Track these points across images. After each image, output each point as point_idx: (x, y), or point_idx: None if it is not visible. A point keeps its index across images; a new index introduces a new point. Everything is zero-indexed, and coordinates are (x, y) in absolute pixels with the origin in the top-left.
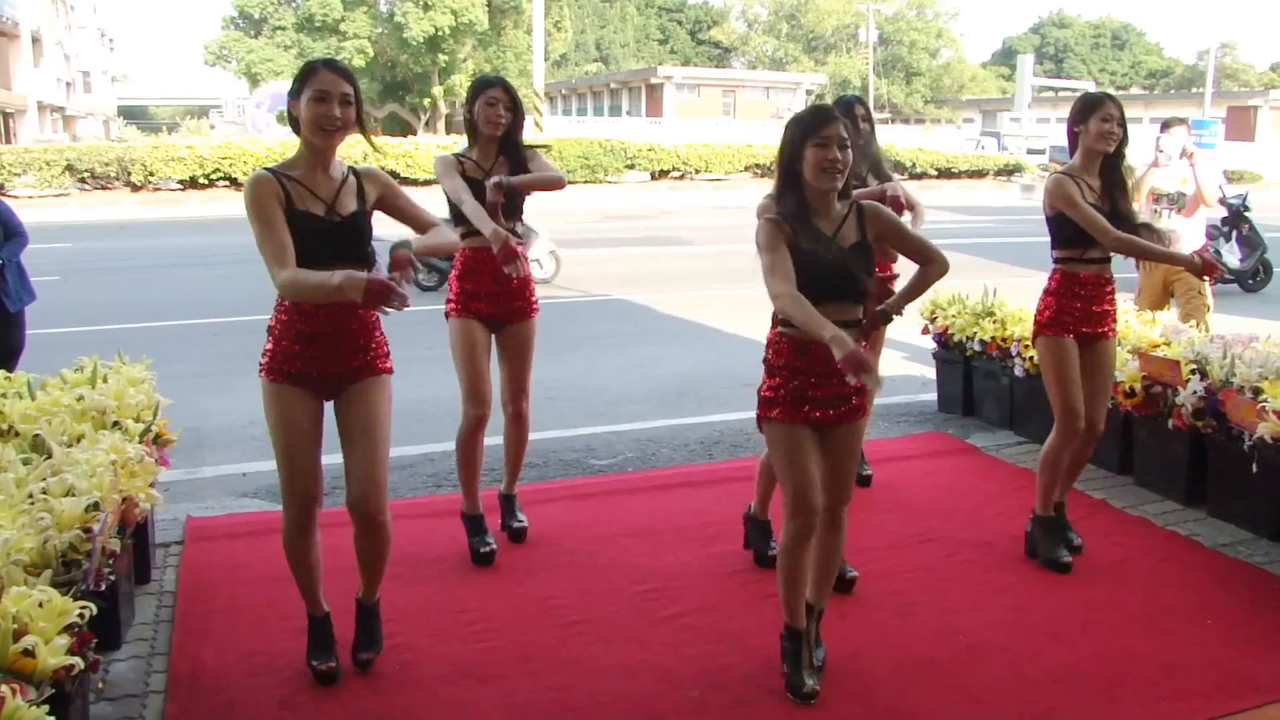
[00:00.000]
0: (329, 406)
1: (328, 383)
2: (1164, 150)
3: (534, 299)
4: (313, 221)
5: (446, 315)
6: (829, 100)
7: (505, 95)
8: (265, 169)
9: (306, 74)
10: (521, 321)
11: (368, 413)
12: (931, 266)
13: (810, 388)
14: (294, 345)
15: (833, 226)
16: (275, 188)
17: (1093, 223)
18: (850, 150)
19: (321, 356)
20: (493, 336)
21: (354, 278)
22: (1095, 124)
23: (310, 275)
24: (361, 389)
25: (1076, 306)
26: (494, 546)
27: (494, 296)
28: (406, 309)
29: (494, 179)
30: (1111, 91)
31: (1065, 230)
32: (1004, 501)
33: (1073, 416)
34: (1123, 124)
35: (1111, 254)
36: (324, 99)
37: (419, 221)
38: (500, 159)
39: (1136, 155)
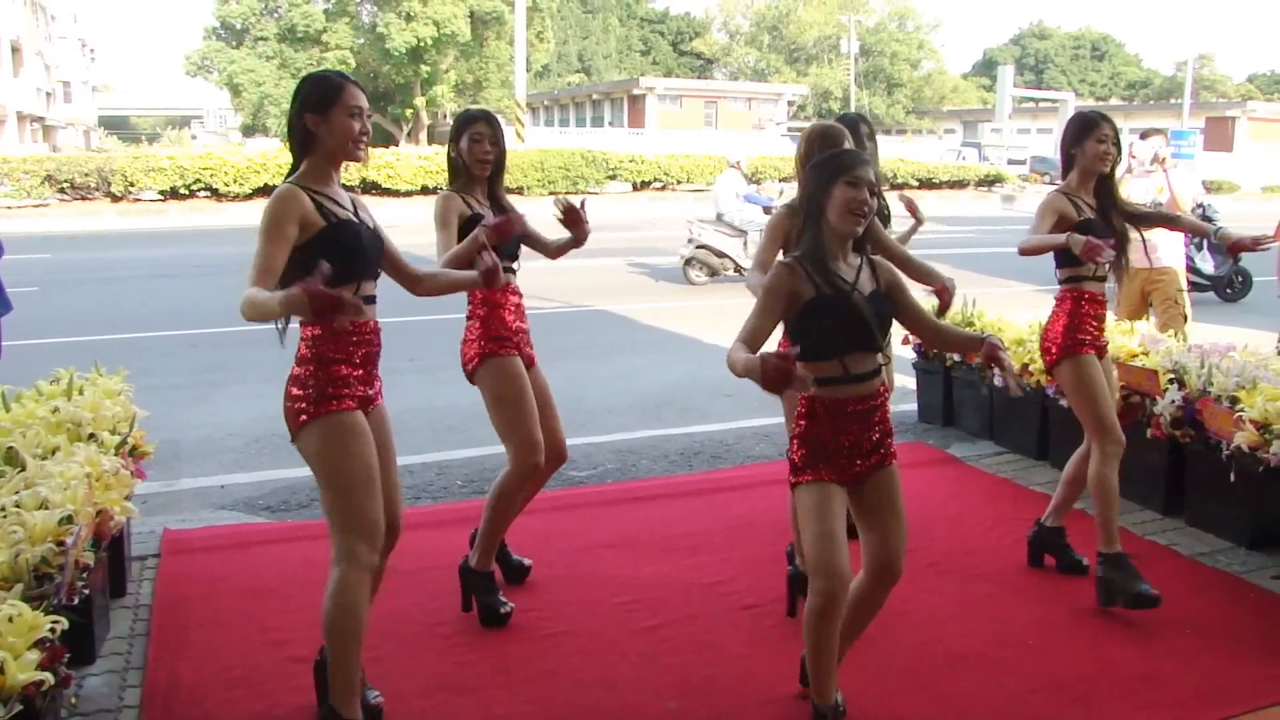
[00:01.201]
0: None
1: (367, 405)
2: (1136, 157)
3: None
4: (357, 229)
5: (481, 357)
6: (809, 110)
7: (489, 130)
8: (294, 183)
9: (338, 89)
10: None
11: (386, 432)
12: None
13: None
14: (345, 368)
15: (851, 273)
16: (304, 201)
17: (1039, 238)
18: (878, 198)
19: (368, 376)
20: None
21: (292, 293)
22: (1092, 145)
23: (260, 294)
24: (380, 410)
25: (1091, 324)
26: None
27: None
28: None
29: (486, 222)
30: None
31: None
32: (984, 512)
33: (1114, 432)
34: (1117, 143)
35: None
36: (359, 114)
37: (402, 269)
38: (487, 207)
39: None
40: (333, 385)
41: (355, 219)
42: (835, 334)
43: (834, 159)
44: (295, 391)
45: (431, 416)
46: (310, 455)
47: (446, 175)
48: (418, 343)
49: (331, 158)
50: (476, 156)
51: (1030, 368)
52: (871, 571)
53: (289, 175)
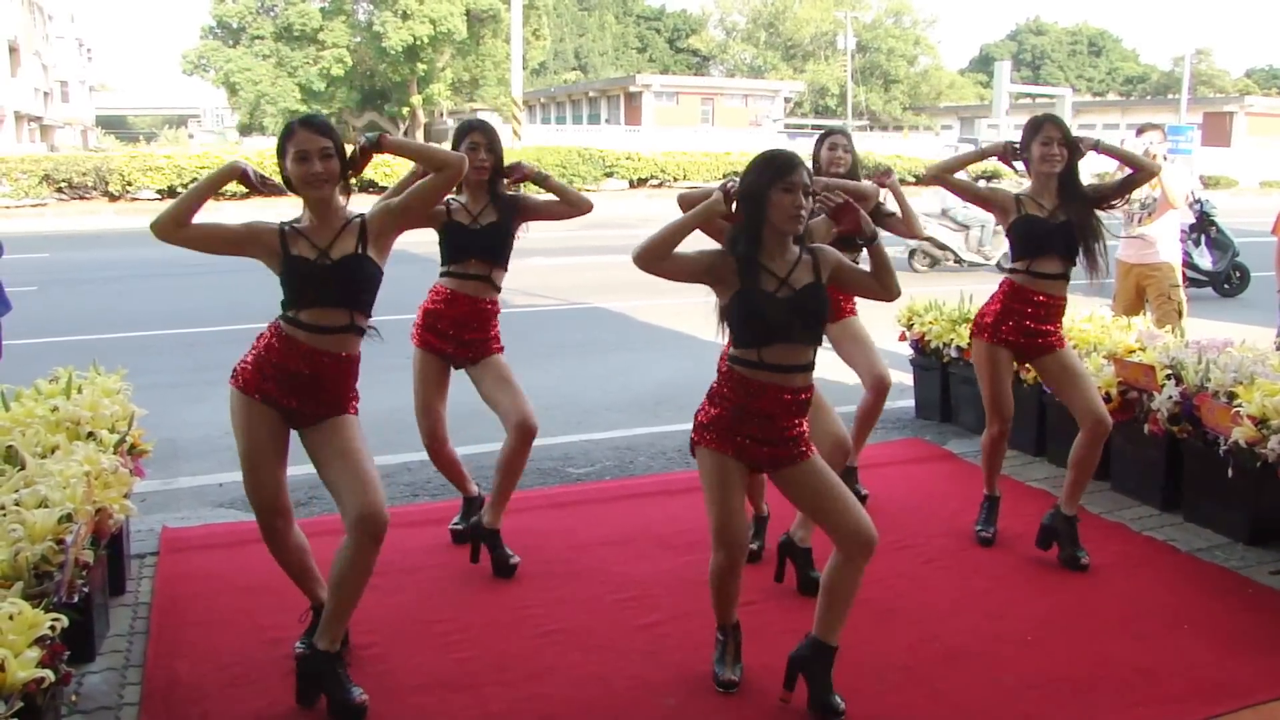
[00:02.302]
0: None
1: (296, 415)
2: None
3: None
4: (302, 265)
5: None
6: (806, 107)
7: (484, 139)
8: (280, 224)
9: (286, 135)
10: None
11: (343, 439)
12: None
13: (750, 426)
14: (273, 371)
15: (786, 268)
16: (271, 236)
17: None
18: (811, 197)
19: (295, 393)
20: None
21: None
22: (1036, 148)
23: (186, 196)
24: (331, 423)
25: (1017, 320)
26: None
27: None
28: None
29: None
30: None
31: (1012, 241)
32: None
33: (996, 415)
34: (1065, 144)
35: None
36: (304, 158)
37: (431, 195)
38: (489, 205)
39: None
40: (258, 378)
41: (304, 256)
42: (761, 326)
43: (769, 165)
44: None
45: None
46: None
47: None
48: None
49: (302, 197)
50: (473, 165)
51: (1028, 364)
52: (843, 548)
53: None
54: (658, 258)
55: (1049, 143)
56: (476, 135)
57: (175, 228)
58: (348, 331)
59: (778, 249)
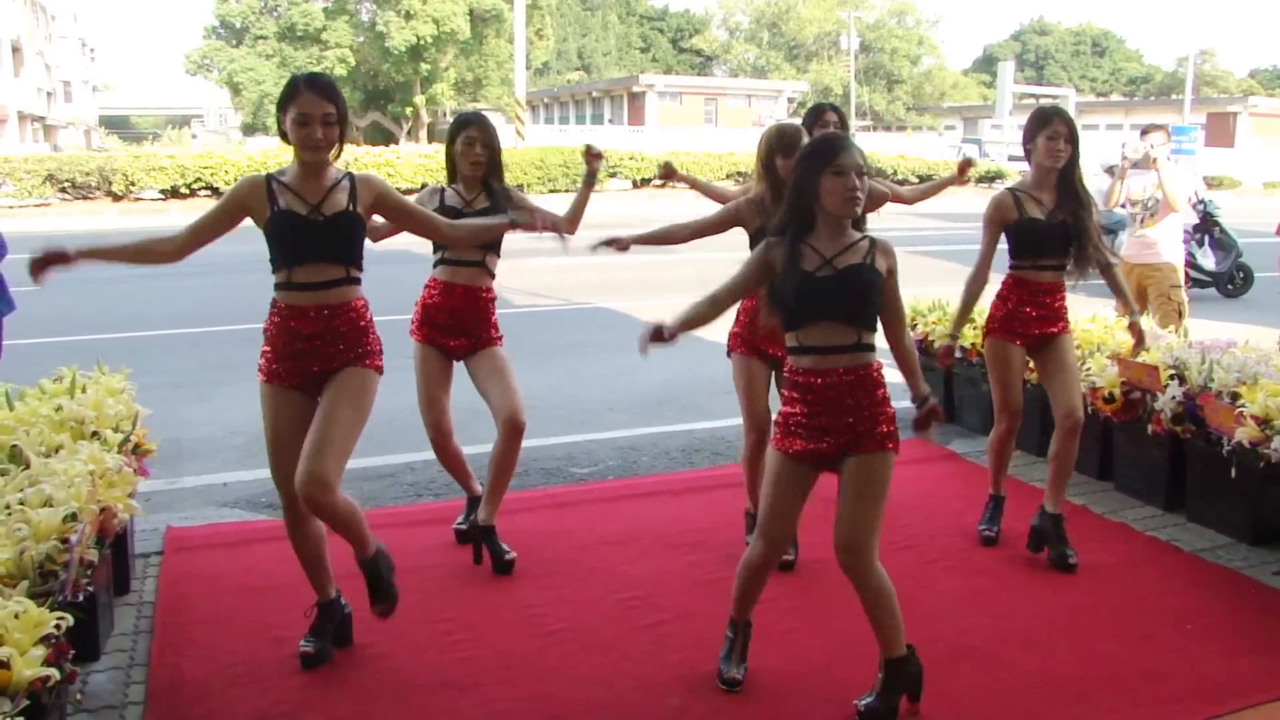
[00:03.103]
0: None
1: (320, 380)
2: (1127, 157)
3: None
4: (294, 219)
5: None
6: (809, 105)
7: (480, 134)
8: (267, 174)
9: (290, 94)
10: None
11: (336, 393)
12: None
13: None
14: (292, 344)
15: (835, 250)
16: (260, 191)
17: (980, 252)
18: (868, 177)
19: (313, 353)
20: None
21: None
22: (1042, 142)
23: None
24: (341, 375)
25: (1026, 310)
26: None
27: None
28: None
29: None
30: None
31: (1012, 243)
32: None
33: (1005, 412)
34: (1071, 140)
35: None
36: (306, 122)
37: (424, 223)
38: (482, 193)
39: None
40: (275, 358)
41: (294, 210)
42: (810, 306)
43: (816, 151)
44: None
45: None
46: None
47: (446, 174)
48: None
49: (296, 155)
50: (469, 160)
51: (1031, 365)
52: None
53: None
54: None
55: (1055, 137)
56: (472, 130)
57: (164, 261)
58: (345, 284)
59: (836, 232)
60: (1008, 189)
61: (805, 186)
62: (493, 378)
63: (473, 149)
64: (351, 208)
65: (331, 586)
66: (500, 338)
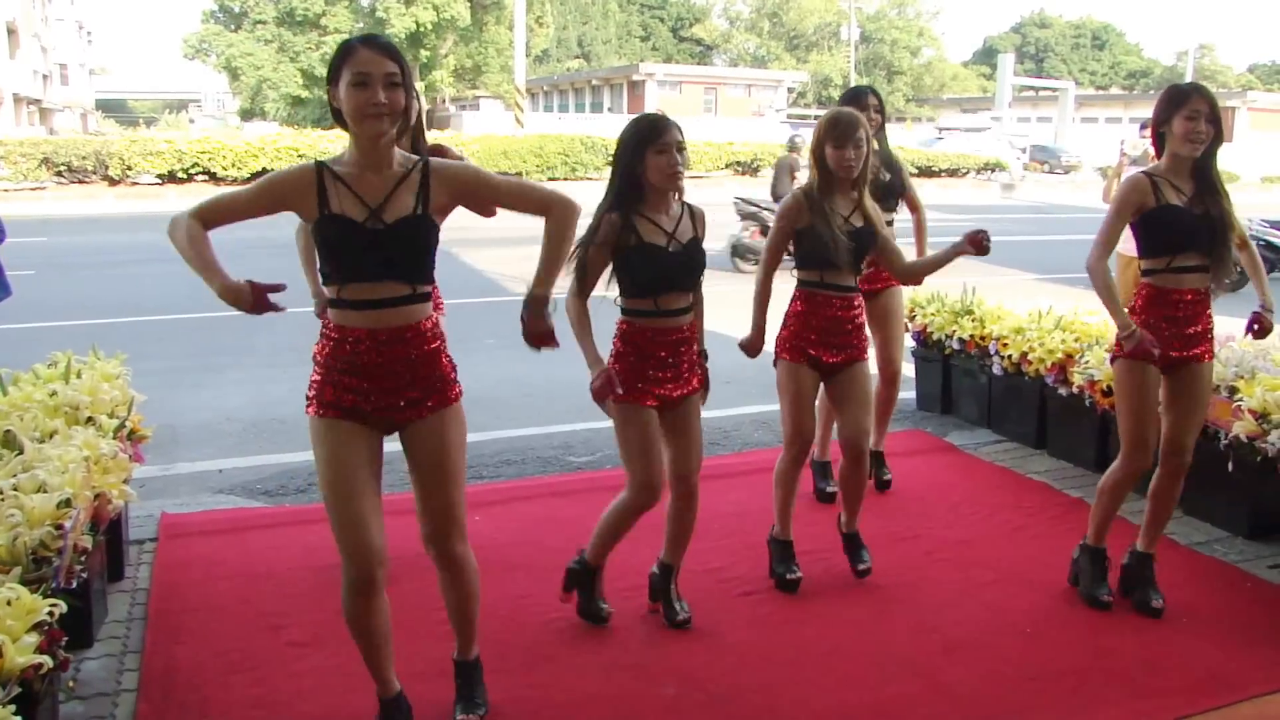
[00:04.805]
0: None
1: (387, 416)
2: (1127, 153)
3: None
4: (348, 228)
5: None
6: (809, 97)
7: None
8: (318, 161)
9: (344, 55)
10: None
11: (438, 447)
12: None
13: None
14: (344, 377)
15: (672, 223)
16: (307, 185)
17: (1102, 234)
18: (684, 153)
19: (375, 392)
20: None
21: (226, 287)
22: (1180, 124)
23: (193, 246)
24: (429, 423)
25: (1163, 326)
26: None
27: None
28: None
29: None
30: (1092, 92)
31: (1146, 236)
32: (982, 500)
33: (1136, 451)
34: (1213, 120)
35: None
36: (365, 83)
37: (532, 201)
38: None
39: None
40: (332, 391)
41: (360, 218)
42: (657, 279)
43: (640, 129)
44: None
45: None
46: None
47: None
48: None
49: (355, 134)
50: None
51: (1030, 356)
52: (674, 474)
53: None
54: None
55: (1195, 117)
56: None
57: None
58: (410, 302)
59: (662, 205)
60: (1144, 172)
61: (633, 163)
62: None
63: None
64: (423, 211)
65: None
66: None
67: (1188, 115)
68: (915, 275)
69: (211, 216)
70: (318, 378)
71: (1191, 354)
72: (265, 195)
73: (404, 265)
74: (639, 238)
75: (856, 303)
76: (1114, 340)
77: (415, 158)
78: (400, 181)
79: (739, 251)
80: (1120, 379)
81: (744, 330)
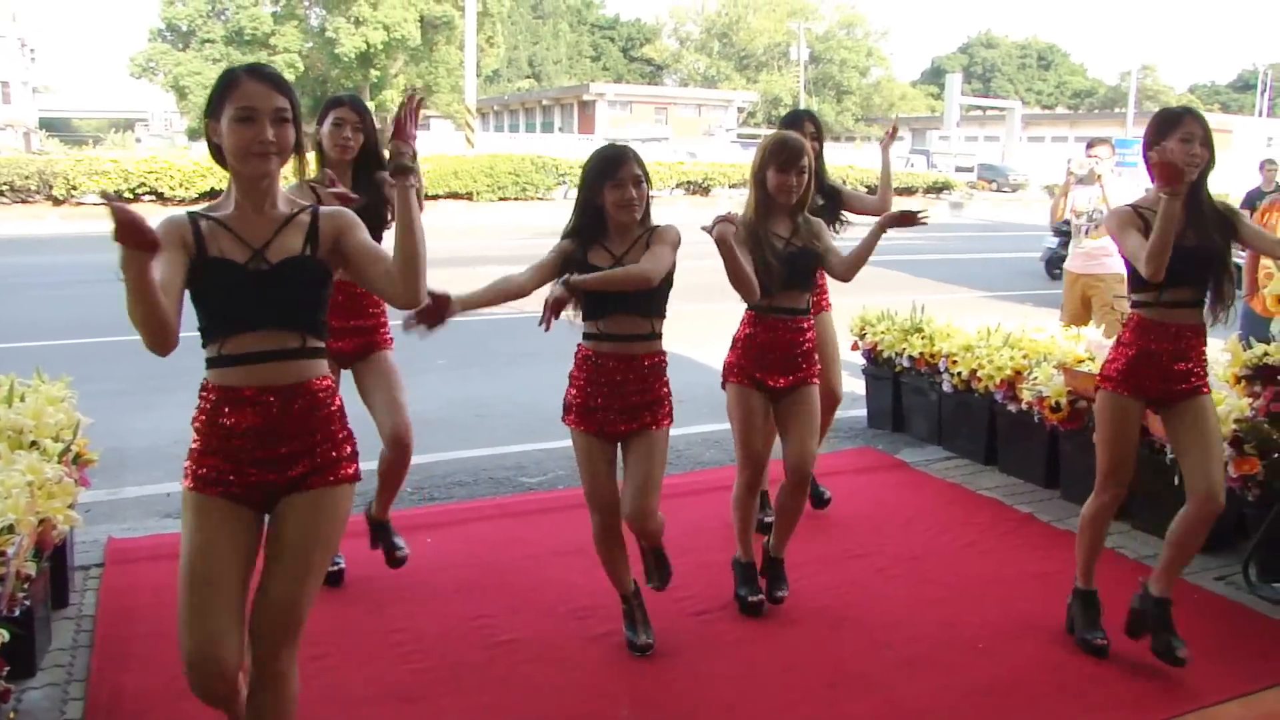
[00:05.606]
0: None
1: (267, 489)
2: (1073, 172)
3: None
4: (227, 271)
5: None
6: (759, 117)
7: (354, 115)
8: (189, 213)
9: (226, 87)
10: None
11: (306, 533)
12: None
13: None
14: (228, 442)
15: (624, 246)
16: (183, 231)
17: (1133, 254)
18: (645, 185)
19: (255, 462)
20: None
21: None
22: (1175, 146)
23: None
24: (306, 499)
25: (1149, 361)
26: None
27: None
28: None
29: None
30: (1039, 111)
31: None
32: (934, 516)
33: (1111, 479)
34: (1206, 144)
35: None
36: (250, 118)
37: (380, 265)
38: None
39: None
40: (204, 459)
41: (241, 260)
42: (606, 299)
43: (598, 163)
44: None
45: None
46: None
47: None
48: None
49: (235, 172)
50: (337, 143)
51: (979, 373)
52: (628, 514)
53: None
54: None
55: (1190, 140)
56: (343, 111)
57: (168, 339)
58: (301, 357)
59: (618, 232)
60: (1129, 205)
61: (591, 196)
62: (379, 385)
63: (341, 132)
64: (309, 251)
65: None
66: (390, 340)
67: (1182, 138)
68: (851, 269)
69: (174, 305)
70: (196, 446)
71: (1181, 388)
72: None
73: (292, 311)
74: (585, 260)
75: (806, 325)
76: (1101, 370)
77: (304, 202)
78: (286, 222)
79: None
80: (1099, 407)
81: (703, 353)
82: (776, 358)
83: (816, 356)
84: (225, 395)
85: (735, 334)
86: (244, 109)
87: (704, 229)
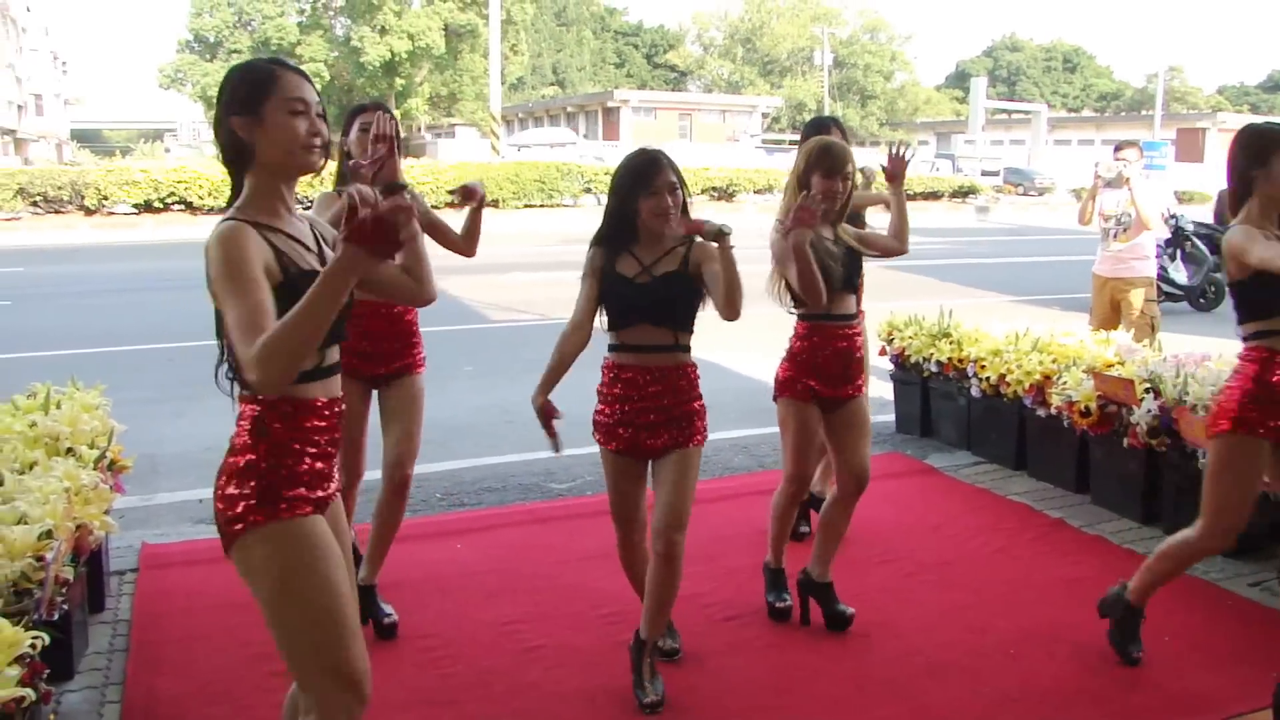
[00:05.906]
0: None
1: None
2: (1101, 176)
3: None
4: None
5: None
6: (784, 122)
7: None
8: (234, 218)
9: (267, 79)
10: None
11: (343, 535)
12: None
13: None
14: (302, 461)
15: (654, 256)
16: (261, 245)
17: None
18: (680, 191)
19: (324, 474)
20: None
21: (345, 248)
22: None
23: (290, 314)
24: (334, 511)
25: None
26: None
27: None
28: None
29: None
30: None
31: (1243, 295)
32: (963, 522)
33: (1218, 529)
34: None
35: None
36: (303, 111)
37: (391, 269)
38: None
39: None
40: (288, 482)
41: (317, 266)
42: (627, 310)
43: (631, 172)
44: (232, 490)
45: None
46: (255, 574)
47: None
48: None
49: (277, 174)
50: (362, 148)
51: (1007, 378)
52: (654, 528)
53: (227, 206)
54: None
55: None
56: (370, 117)
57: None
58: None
59: (651, 241)
60: (1238, 224)
61: (626, 203)
62: (401, 411)
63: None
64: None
65: None
66: (423, 366)
67: None
68: (903, 238)
69: (262, 330)
70: (261, 465)
71: None
72: (253, 274)
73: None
74: (613, 268)
75: (857, 331)
76: (1218, 410)
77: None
78: (310, 226)
79: None
80: (1223, 454)
81: (732, 359)
82: (834, 368)
83: (865, 365)
84: (297, 409)
85: (790, 347)
86: (298, 100)
87: (778, 230)
